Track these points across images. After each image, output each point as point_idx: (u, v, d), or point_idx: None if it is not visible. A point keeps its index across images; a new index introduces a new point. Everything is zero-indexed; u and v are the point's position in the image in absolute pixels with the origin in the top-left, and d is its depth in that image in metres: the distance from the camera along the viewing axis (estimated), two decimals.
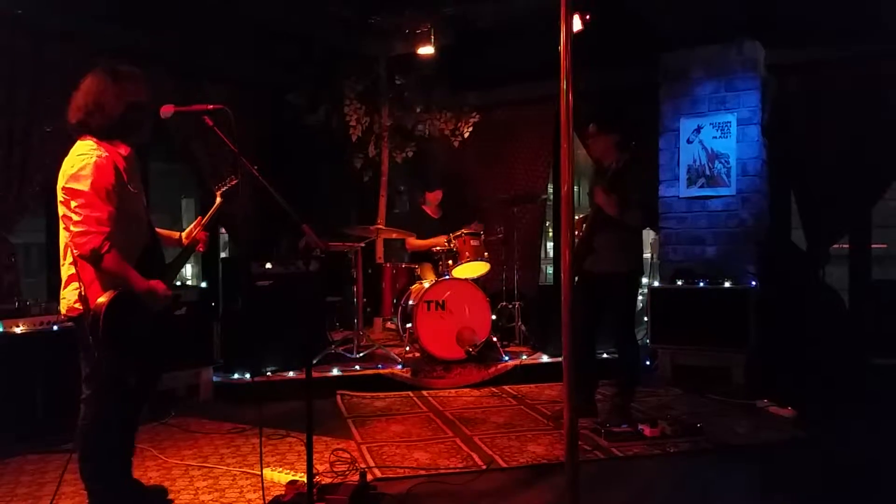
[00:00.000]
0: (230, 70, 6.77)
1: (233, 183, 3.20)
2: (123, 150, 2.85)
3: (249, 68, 6.93)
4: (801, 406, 4.67)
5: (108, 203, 2.68)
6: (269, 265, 5.62)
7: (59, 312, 4.52)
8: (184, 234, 3.28)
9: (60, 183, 2.73)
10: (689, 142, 6.17)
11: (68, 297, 2.82)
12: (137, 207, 2.89)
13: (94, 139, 2.78)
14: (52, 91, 5.18)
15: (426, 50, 6.60)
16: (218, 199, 3.24)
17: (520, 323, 6.64)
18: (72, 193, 2.67)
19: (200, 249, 3.23)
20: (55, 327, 4.40)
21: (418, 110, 7.11)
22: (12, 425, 4.13)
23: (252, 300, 5.52)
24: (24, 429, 4.15)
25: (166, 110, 2.94)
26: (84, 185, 2.65)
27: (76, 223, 2.65)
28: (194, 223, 3.27)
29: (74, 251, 2.70)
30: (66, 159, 2.76)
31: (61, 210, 2.74)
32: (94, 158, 2.69)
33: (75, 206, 2.65)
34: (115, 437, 2.94)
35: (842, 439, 4.20)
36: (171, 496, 3.30)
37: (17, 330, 4.23)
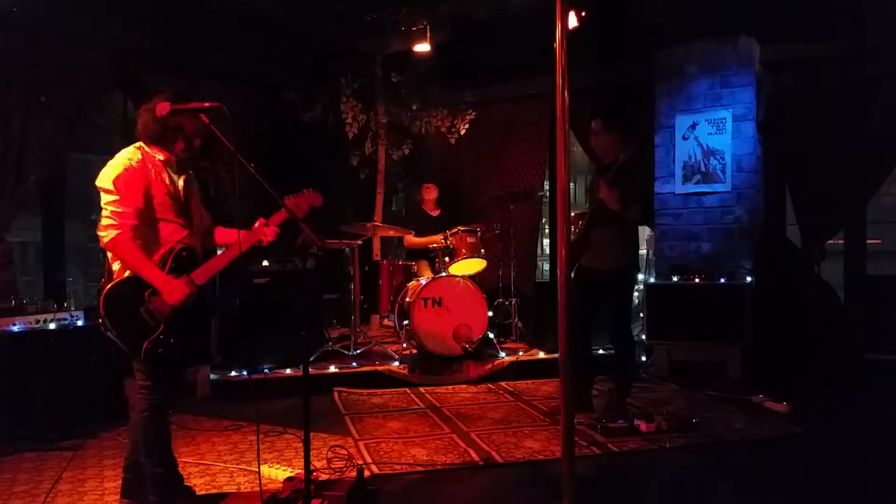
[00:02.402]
0: (227, 68, 6.76)
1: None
2: (162, 155, 3.02)
3: (246, 66, 6.92)
4: (797, 401, 4.70)
5: (134, 200, 2.88)
6: (266, 263, 5.62)
7: (54, 311, 4.57)
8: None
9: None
10: (684, 138, 6.19)
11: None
12: (163, 211, 3.01)
13: (142, 143, 3.01)
14: (49, 90, 5.19)
15: (422, 47, 6.61)
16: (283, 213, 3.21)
17: (516, 319, 6.65)
18: (103, 191, 2.89)
19: (266, 241, 3.24)
20: (52, 325, 4.41)
21: (414, 107, 7.11)
22: (9, 423, 4.14)
23: (249, 298, 5.52)
24: (21, 427, 4.16)
25: (163, 108, 2.94)
26: (111, 184, 2.86)
27: (104, 217, 2.86)
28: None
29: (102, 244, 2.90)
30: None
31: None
32: (126, 162, 2.90)
33: (104, 203, 2.88)
34: (163, 424, 3.09)
35: (837, 434, 4.22)
36: None
37: (14, 328, 4.23)
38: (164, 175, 3.02)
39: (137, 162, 2.93)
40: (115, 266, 2.96)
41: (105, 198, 2.88)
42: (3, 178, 4.94)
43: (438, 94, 7.20)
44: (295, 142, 7.36)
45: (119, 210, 2.84)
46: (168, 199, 3.02)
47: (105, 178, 2.89)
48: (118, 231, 2.83)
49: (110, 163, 2.93)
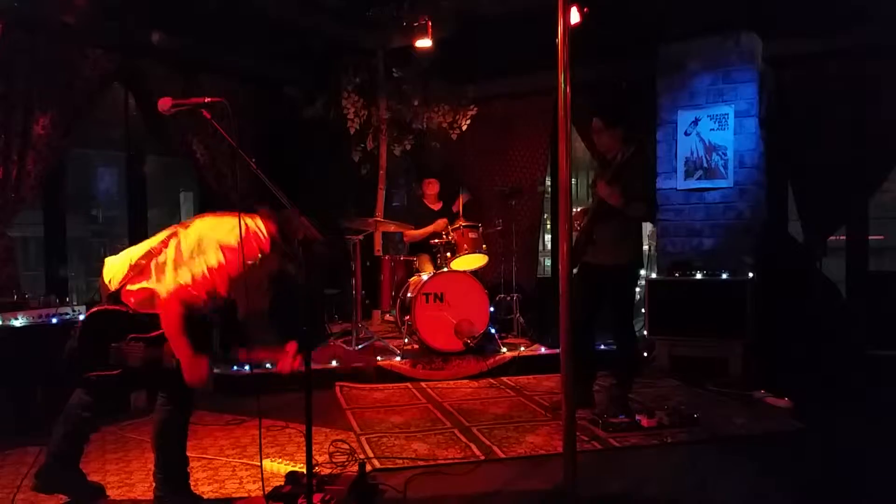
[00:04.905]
0: (228, 64, 6.77)
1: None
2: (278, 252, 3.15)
3: (248, 62, 6.92)
4: (798, 397, 4.70)
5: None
6: None
7: (56, 305, 4.57)
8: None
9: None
10: (686, 134, 6.18)
11: None
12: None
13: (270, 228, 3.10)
14: (50, 84, 5.19)
15: (424, 43, 6.59)
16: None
17: (518, 315, 6.66)
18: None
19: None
20: (54, 320, 4.41)
21: (416, 103, 7.10)
22: (12, 417, 4.15)
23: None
24: (23, 421, 4.17)
25: (164, 103, 2.93)
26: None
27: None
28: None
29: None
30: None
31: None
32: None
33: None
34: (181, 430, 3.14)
35: (838, 430, 4.22)
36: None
37: (16, 323, 4.24)
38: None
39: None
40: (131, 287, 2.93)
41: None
42: (4, 173, 4.95)
43: (440, 90, 7.19)
44: (296, 138, 7.36)
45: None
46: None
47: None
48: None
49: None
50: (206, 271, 2.86)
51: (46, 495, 3.10)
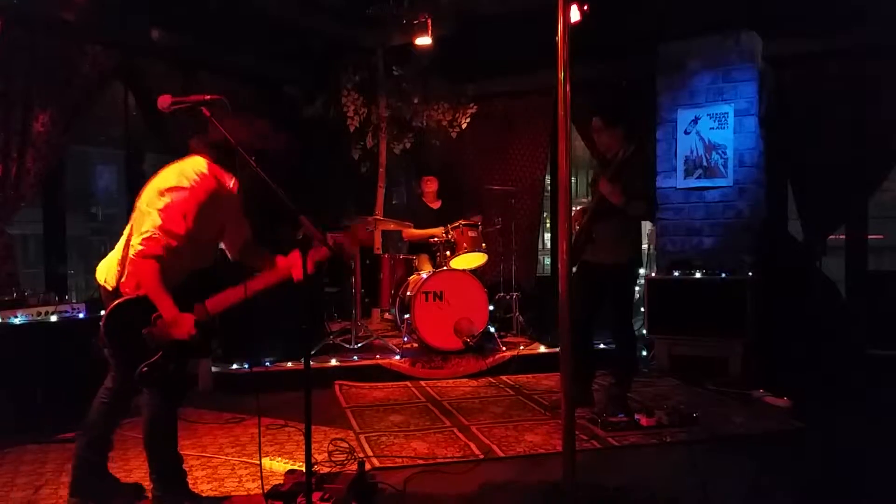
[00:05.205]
0: (228, 62, 6.75)
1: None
2: (227, 180, 3.12)
3: (248, 60, 6.91)
4: (798, 396, 4.70)
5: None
6: None
7: (56, 303, 4.56)
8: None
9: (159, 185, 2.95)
10: (686, 133, 6.17)
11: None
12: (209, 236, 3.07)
13: (207, 160, 3.05)
14: (49, 81, 5.18)
15: (424, 41, 6.59)
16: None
17: (517, 313, 6.66)
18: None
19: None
20: (53, 318, 4.41)
21: (416, 101, 7.10)
22: (11, 415, 4.14)
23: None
24: (22, 419, 4.16)
25: (163, 101, 2.92)
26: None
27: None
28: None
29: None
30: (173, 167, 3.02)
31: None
32: (191, 180, 2.94)
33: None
34: (170, 420, 3.11)
35: (838, 430, 4.22)
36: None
37: (16, 320, 4.24)
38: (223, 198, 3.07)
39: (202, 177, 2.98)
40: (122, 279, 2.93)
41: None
42: (4, 171, 4.94)
43: (440, 88, 7.19)
44: (296, 136, 7.35)
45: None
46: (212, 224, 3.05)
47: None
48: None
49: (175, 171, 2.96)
50: (158, 219, 2.85)
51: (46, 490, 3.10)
